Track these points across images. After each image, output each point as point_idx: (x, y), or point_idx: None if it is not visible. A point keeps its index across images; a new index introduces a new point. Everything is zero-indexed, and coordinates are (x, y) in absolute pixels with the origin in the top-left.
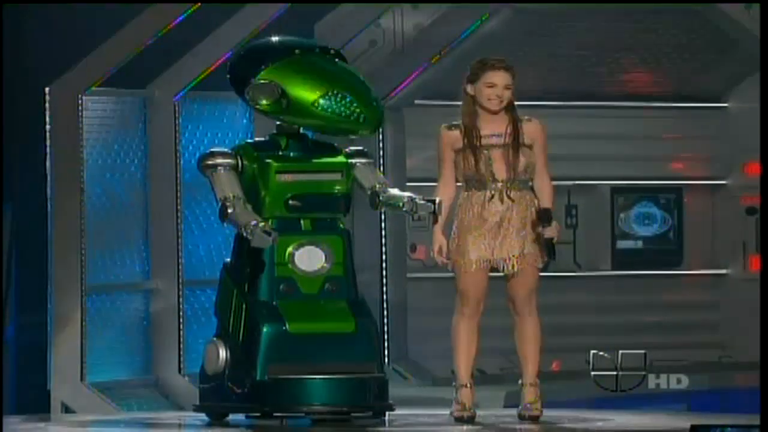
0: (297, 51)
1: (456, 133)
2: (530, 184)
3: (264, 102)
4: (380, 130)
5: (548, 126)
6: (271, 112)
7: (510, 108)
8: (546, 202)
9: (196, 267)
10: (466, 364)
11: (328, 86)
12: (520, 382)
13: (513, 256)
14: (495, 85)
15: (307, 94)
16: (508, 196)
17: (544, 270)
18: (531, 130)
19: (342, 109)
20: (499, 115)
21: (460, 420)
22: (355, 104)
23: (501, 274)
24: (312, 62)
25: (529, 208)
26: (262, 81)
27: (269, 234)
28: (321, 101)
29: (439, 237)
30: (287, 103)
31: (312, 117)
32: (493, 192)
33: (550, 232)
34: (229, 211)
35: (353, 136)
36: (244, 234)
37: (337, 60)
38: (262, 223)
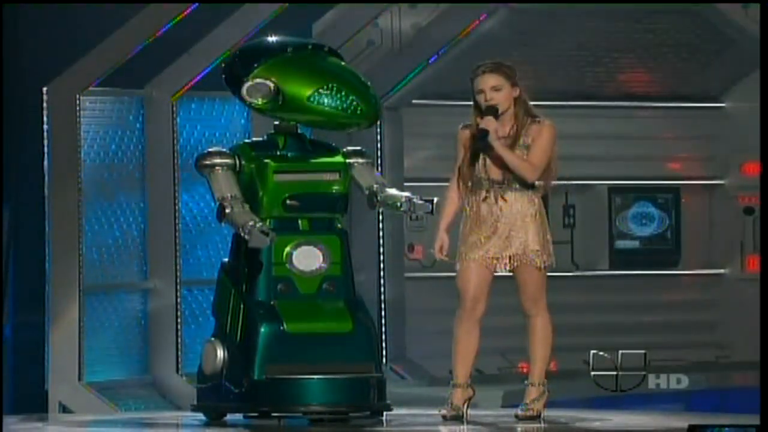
0: (289, 49)
1: (467, 133)
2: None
3: (260, 100)
4: (379, 127)
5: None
6: (267, 111)
7: (519, 108)
8: (508, 153)
9: (194, 267)
10: (461, 364)
11: (322, 81)
12: (525, 381)
13: (506, 256)
14: (483, 91)
15: (302, 89)
16: (503, 197)
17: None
18: (534, 130)
19: (338, 102)
20: (507, 116)
21: (444, 418)
22: (351, 97)
23: (508, 274)
24: (304, 58)
25: (526, 209)
26: (256, 80)
27: (267, 234)
28: (316, 96)
29: (441, 235)
30: (283, 100)
31: (309, 112)
32: (487, 193)
33: (486, 122)
34: (227, 211)
35: (351, 131)
36: (242, 234)
37: (330, 57)
38: (260, 223)
